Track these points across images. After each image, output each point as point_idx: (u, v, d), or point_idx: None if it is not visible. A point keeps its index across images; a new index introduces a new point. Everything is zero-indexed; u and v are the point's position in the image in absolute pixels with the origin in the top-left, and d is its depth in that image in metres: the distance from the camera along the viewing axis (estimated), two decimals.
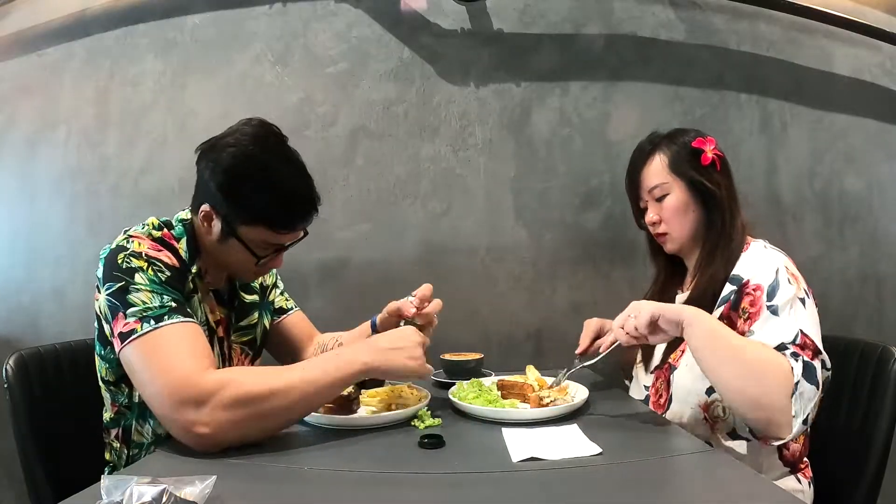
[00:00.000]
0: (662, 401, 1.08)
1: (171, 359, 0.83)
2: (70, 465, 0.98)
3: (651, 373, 1.14)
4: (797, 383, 0.82)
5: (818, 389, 0.84)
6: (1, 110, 1.73)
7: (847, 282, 1.77)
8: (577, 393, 1.06)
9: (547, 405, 0.97)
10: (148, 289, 0.88)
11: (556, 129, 1.73)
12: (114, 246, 0.94)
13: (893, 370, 1.03)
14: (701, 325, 0.87)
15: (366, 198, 1.70)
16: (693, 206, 1.10)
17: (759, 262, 0.99)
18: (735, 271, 1.00)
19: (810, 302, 0.95)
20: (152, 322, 0.85)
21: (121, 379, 0.97)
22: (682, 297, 1.15)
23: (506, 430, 0.89)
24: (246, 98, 1.70)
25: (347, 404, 0.96)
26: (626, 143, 1.22)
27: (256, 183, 0.95)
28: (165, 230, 1.00)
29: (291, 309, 1.32)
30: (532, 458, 0.76)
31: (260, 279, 1.22)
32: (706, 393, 1.00)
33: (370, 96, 1.71)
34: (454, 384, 1.11)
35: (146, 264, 0.91)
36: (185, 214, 1.05)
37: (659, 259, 1.24)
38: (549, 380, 1.11)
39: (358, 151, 1.71)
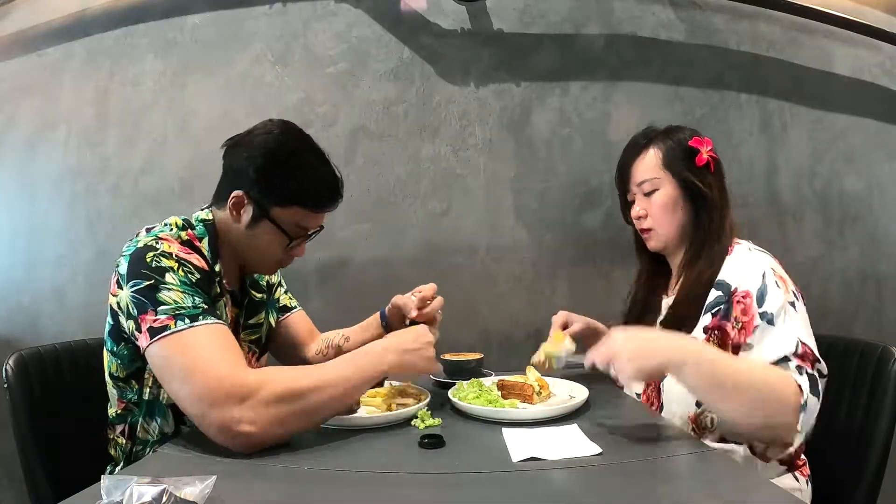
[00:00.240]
0: (654, 408, 1.07)
1: (209, 357, 0.82)
2: (70, 465, 0.98)
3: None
4: (805, 400, 0.82)
5: (819, 399, 0.84)
6: (1, 110, 1.73)
7: (847, 282, 1.77)
8: (577, 393, 1.06)
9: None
10: (179, 289, 0.87)
11: (556, 129, 1.73)
12: (140, 245, 0.92)
13: (893, 370, 1.03)
14: (694, 366, 0.81)
15: (366, 198, 1.70)
16: (682, 204, 1.08)
17: (744, 266, 0.97)
18: (721, 276, 0.98)
19: (800, 304, 0.94)
20: (187, 321, 0.84)
21: (132, 376, 0.97)
22: (667, 301, 1.13)
23: (506, 430, 0.89)
24: (246, 98, 1.70)
25: None
26: (626, 143, 1.21)
27: (292, 165, 1.01)
28: (189, 230, 1.00)
29: (295, 308, 1.33)
30: (532, 458, 0.76)
31: (266, 277, 1.23)
32: (696, 405, 0.98)
33: (370, 96, 1.71)
34: (454, 384, 1.11)
35: (177, 265, 0.90)
36: (205, 214, 1.04)
37: (644, 257, 1.21)
38: (550, 380, 1.11)
39: (358, 151, 1.71)
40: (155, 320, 0.84)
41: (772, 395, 0.81)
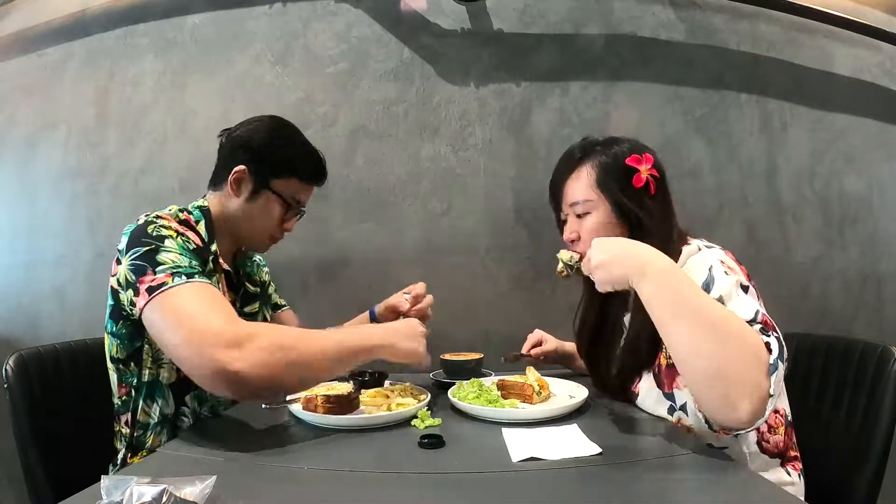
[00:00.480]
0: None
1: (203, 308, 0.86)
2: (70, 465, 0.98)
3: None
4: (775, 361, 0.72)
5: (783, 371, 0.74)
6: (1, 110, 1.73)
7: (847, 282, 1.77)
8: (577, 393, 1.06)
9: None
10: (178, 251, 0.94)
11: (556, 129, 1.73)
12: (141, 222, 0.98)
13: (893, 370, 1.03)
14: (654, 280, 0.76)
15: (366, 198, 1.70)
16: (617, 230, 1.00)
17: (690, 264, 0.93)
18: None
19: (753, 291, 0.88)
20: (184, 277, 0.89)
21: (131, 357, 1.00)
22: (628, 317, 1.07)
23: (506, 430, 0.89)
24: (246, 98, 1.70)
25: (347, 404, 0.96)
26: (560, 156, 1.17)
27: (289, 141, 1.14)
28: (186, 214, 1.08)
29: (284, 306, 1.41)
30: (532, 458, 0.76)
31: (260, 276, 1.31)
32: (668, 412, 0.97)
33: (370, 96, 1.71)
34: (454, 384, 1.11)
35: (176, 234, 0.97)
36: (200, 202, 1.13)
37: (584, 277, 1.07)
38: (550, 380, 1.11)
39: (358, 151, 1.71)
40: (153, 280, 0.89)
41: (738, 338, 0.72)
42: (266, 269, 1.37)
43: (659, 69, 1.74)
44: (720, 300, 0.83)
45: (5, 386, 1.03)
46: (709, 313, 0.74)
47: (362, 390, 1.03)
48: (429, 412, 0.96)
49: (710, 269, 0.89)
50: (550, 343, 1.36)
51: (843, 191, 1.78)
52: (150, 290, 0.87)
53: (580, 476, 0.72)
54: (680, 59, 1.75)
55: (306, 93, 1.71)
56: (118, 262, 0.95)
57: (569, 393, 1.08)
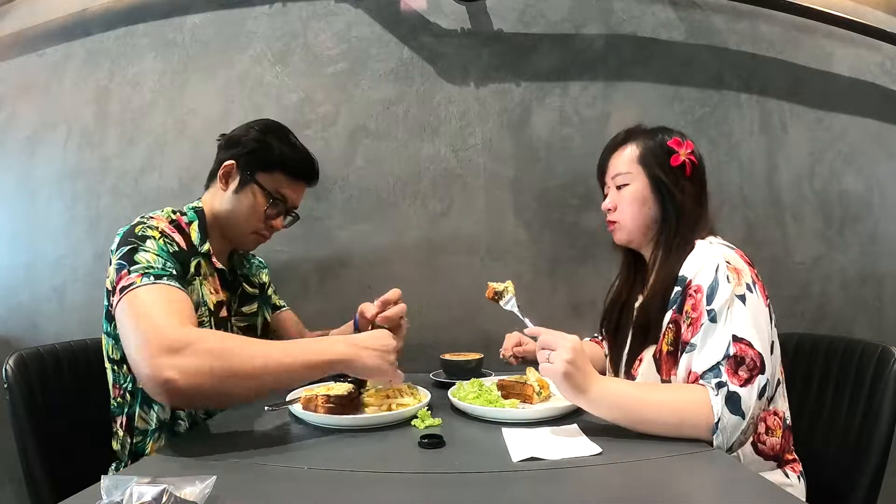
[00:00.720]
0: None
1: (161, 310, 0.86)
2: (70, 465, 0.98)
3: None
4: (717, 421, 0.82)
5: (744, 417, 0.83)
6: (1, 110, 1.73)
7: (847, 282, 1.77)
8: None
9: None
10: (155, 252, 0.96)
11: (556, 129, 1.73)
12: (133, 222, 1.02)
13: (893, 370, 1.03)
14: (603, 404, 0.87)
15: (366, 198, 1.70)
16: (651, 202, 1.07)
17: (700, 259, 0.96)
18: (681, 272, 0.98)
19: (752, 295, 0.92)
20: (151, 278, 0.90)
21: (125, 358, 0.99)
22: (639, 303, 1.13)
23: (506, 430, 0.89)
24: (246, 98, 1.70)
25: (348, 404, 0.96)
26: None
27: (279, 137, 1.16)
28: (179, 215, 1.10)
29: (283, 307, 1.40)
30: (532, 458, 0.76)
31: (259, 277, 1.30)
32: None
33: (370, 96, 1.71)
34: (454, 384, 1.11)
35: (159, 235, 1.00)
36: (196, 203, 1.15)
37: (623, 258, 1.22)
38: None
39: (358, 151, 1.71)
40: (127, 279, 0.90)
41: (685, 420, 0.84)
42: (266, 270, 1.37)
43: (659, 69, 1.74)
44: (713, 315, 0.89)
45: (5, 386, 1.03)
46: (656, 413, 0.86)
47: (362, 390, 1.03)
48: (429, 412, 0.97)
49: (716, 270, 0.92)
50: (530, 344, 1.35)
51: (843, 191, 1.78)
52: (122, 290, 0.89)
53: (580, 476, 0.72)
54: (680, 58, 1.75)
55: (306, 93, 1.71)
56: (110, 262, 0.97)
57: None
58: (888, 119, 1.81)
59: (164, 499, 0.55)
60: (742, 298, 0.90)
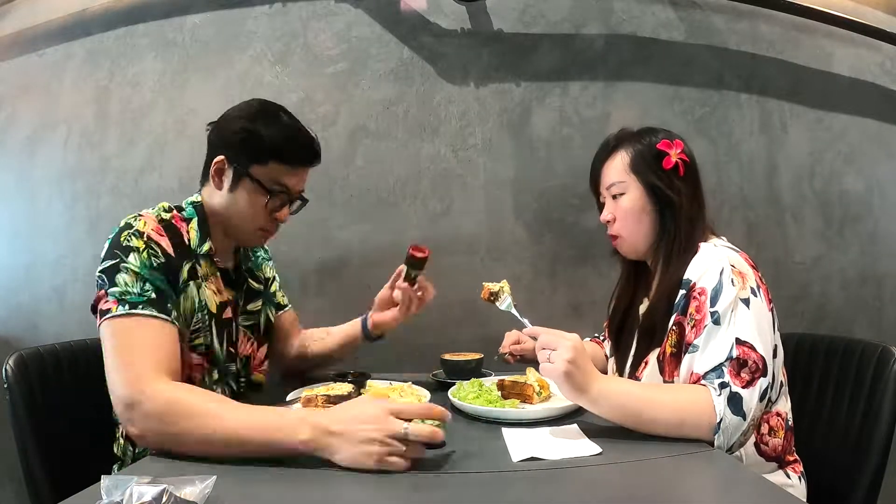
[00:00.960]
0: None
1: (133, 354, 0.85)
2: (70, 465, 0.98)
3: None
4: (720, 421, 0.82)
5: (745, 419, 0.83)
6: (1, 110, 1.73)
7: (847, 282, 1.77)
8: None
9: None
10: (136, 270, 0.91)
11: (556, 129, 1.73)
12: (122, 224, 0.96)
13: (893, 370, 1.03)
14: (604, 403, 0.86)
15: (366, 198, 1.70)
16: (649, 210, 1.05)
17: (704, 262, 0.96)
18: (685, 275, 0.97)
19: (756, 299, 0.92)
20: (126, 307, 0.88)
21: None
22: (643, 307, 1.12)
23: (506, 430, 0.89)
24: (246, 98, 1.67)
25: None
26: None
27: (267, 123, 1.05)
28: (175, 213, 1.04)
29: (287, 306, 1.36)
30: (532, 458, 0.76)
31: (265, 271, 1.27)
32: None
33: (370, 96, 1.71)
34: (454, 384, 1.11)
35: (143, 245, 0.93)
36: (195, 198, 1.09)
37: (624, 262, 1.20)
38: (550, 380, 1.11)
39: (358, 151, 1.71)
40: (104, 301, 0.89)
41: (686, 420, 0.84)
42: (272, 263, 1.34)
43: (659, 69, 1.74)
44: (717, 317, 0.89)
45: (5, 386, 1.02)
46: (659, 411, 0.85)
47: (362, 391, 1.03)
48: None
49: (720, 273, 0.92)
50: (528, 343, 1.32)
51: (843, 190, 1.78)
52: (101, 313, 0.89)
53: (580, 476, 0.72)
54: (680, 58, 1.75)
55: (306, 93, 1.71)
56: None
57: None
58: (888, 119, 1.81)
59: (164, 499, 0.55)
60: (746, 302, 0.90)
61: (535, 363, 1.31)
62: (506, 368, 1.30)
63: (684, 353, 0.93)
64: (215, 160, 1.05)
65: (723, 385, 0.85)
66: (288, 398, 1.02)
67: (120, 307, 0.87)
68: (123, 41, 1.72)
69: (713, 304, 0.90)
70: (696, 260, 0.97)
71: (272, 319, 1.26)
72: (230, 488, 0.63)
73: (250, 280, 1.18)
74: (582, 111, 1.73)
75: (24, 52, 1.74)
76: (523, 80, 1.73)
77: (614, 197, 1.09)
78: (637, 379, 1.05)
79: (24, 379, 1.04)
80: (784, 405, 1.00)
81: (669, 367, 0.97)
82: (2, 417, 1.04)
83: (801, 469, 1.01)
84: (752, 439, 0.95)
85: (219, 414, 0.78)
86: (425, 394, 1.06)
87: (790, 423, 1.01)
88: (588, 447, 0.79)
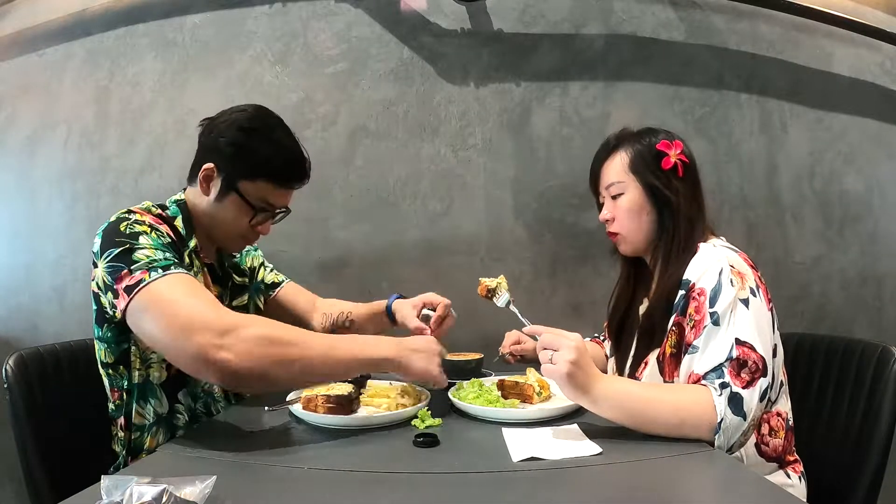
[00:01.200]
0: None
1: (186, 295, 0.85)
2: (70, 465, 0.98)
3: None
4: (720, 421, 0.82)
5: (746, 419, 0.83)
6: (1, 110, 1.73)
7: (847, 282, 1.77)
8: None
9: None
10: (152, 246, 0.91)
11: (556, 129, 1.73)
12: (113, 219, 0.96)
13: (893, 370, 1.03)
14: (605, 403, 0.86)
15: (366, 198, 1.70)
16: (647, 209, 1.06)
17: (704, 263, 0.96)
18: (685, 275, 0.97)
19: (756, 299, 0.91)
20: (160, 271, 0.87)
21: (120, 360, 0.99)
22: (643, 308, 1.13)
23: (506, 430, 0.89)
24: (246, 98, 1.69)
25: (347, 404, 0.96)
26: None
27: (261, 139, 1.04)
28: (161, 210, 1.05)
29: (283, 281, 1.35)
30: (532, 458, 0.76)
31: (248, 262, 1.27)
32: None
33: (370, 96, 1.71)
34: (454, 384, 1.11)
35: (149, 229, 0.94)
36: (178, 196, 1.09)
37: (623, 261, 1.20)
38: (550, 380, 1.10)
39: (358, 151, 1.71)
40: (131, 278, 0.87)
41: (687, 420, 0.84)
42: (257, 252, 1.32)
43: (659, 69, 1.74)
44: (716, 318, 0.89)
45: (5, 386, 1.02)
46: (658, 411, 0.85)
47: (362, 390, 1.03)
48: (429, 412, 0.96)
49: (719, 274, 0.92)
50: (528, 343, 1.33)
51: (843, 191, 1.78)
52: (129, 290, 0.86)
53: (580, 476, 0.72)
54: (680, 58, 1.75)
55: (306, 93, 1.71)
56: (95, 265, 0.93)
57: None
58: (888, 119, 1.81)
59: (164, 499, 0.55)
60: (745, 302, 0.90)
61: (535, 363, 1.31)
62: (506, 368, 1.30)
63: (684, 354, 0.93)
64: (205, 167, 1.04)
65: (723, 385, 0.85)
66: (288, 398, 1.02)
67: (153, 273, 0.86)
68: (123, 41, 1.72)
69: (712, 304, 0.90)
70: (695, 260, 0.97)
71: (262, 308, 1.27)
72: (230, 488, 0.63)
73: (234, 275, 1.19)
74: (582, 111, 1.73)
75: (24, 52, 1.74)
76: (523, 80, 1.73)
77: (613, 197, 1.09)
78: (637, 379, 1.05)
79: (23, 379, 1.04)
80: (784, 405, 1.00)
81: (669, 367, 0.97)
82: (2, 417, 1.04)
83: (802, 469, 1.01)
84: (753, 440, 0.95)
85: (315, 337, 0.89)
86: (425, 394, 1.06)
87: (790, 423, 1.01)
88: (588, 447, 0.79)
